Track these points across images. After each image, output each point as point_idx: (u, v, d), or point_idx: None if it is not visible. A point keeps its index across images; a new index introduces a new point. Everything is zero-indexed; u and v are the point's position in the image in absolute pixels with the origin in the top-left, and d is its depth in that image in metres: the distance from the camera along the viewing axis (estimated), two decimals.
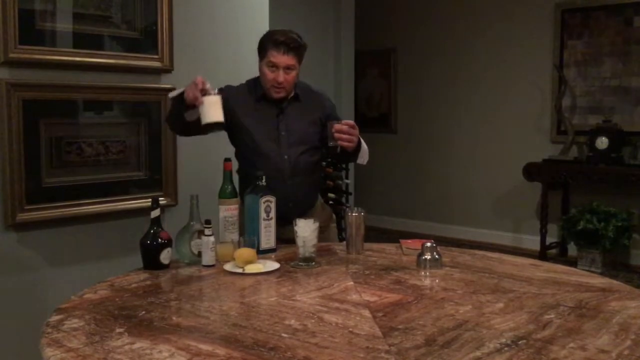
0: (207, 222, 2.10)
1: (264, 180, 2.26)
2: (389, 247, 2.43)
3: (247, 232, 2.26)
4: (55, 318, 1.61)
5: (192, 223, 2.15)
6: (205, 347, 1.41)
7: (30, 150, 2.52)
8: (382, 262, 2.19)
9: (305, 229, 2.11)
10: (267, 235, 2.26)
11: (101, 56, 2.71)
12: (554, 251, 5.59)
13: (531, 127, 5.88)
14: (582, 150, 5.50)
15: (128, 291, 1.85)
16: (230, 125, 2.43)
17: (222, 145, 2.67)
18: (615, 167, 5.01)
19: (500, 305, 1.72)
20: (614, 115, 5.33)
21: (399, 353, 1.38)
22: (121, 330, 1.52)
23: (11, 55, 2.43)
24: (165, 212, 2.72)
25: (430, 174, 6.65)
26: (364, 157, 2.50)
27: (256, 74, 2.53)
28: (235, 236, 2.25)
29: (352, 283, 1.93)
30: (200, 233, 2.12)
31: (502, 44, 6.02)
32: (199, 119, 2.19)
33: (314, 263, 2.12)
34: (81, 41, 2.64)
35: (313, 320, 1.59)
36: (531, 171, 5.46)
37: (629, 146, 5.14)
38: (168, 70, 2.90)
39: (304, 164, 2.47)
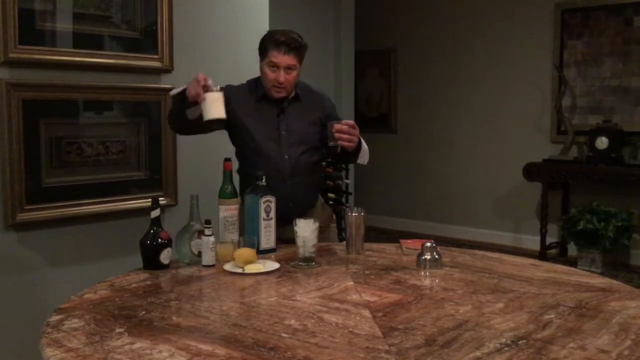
0: (207, 222, 2.10)
1: (264, 180, 2.26)
2: (389, 247, 2.43)
3: (247, 232, 2.26)
4: (55, 318, 1.61)
5: (192, 223, 2.15)
6: (205, 347, 1.41)
7: (30, 150, 2.52)
8: (382, 262, 2.19)
9: (305, 229, 2.11)
10: (267, 235, 2.26)
11: (101, 56, 2.71)
12: (554, 251, 5.59)
13: (531, 127, 5.88)
14: (582, 150, 5.50)
15: (128, 291, 1.85)
16: (231, 125, 2.43)
17: (222, 145, 2.67)
18: (615, 167, 5.01)
19: (500, 305, 1.72)
20: (614, 115, 5.33)
21: (399, 353, 1.38)
22: (121, 330, 1.52)
23: (11, 55, 2.43)
24: (165, 212, 2.72)
25: (430, 174, 6.65)
26: (364, 157, 2.50)
27: (256, 74, 2.53)
28: (235, 236, 2.25)
29: (352, 283, 1.93)
30: (200, 233, 2.12)
31: (502, 44, 6.02)
32: (200, 117, 2.19)
33: (314, 263, 2.12)
34: (81, 41, 2.64)
35: (313, 320, 1.59)
36: (531, 171, 5.46)
37: (629, 146, 5.14)
38: (168, 70, 2.90)
39: (304, 164, 2.47)
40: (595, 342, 1.44)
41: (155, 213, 2.07)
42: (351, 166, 5.12)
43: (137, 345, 1.43)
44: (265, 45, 2.39)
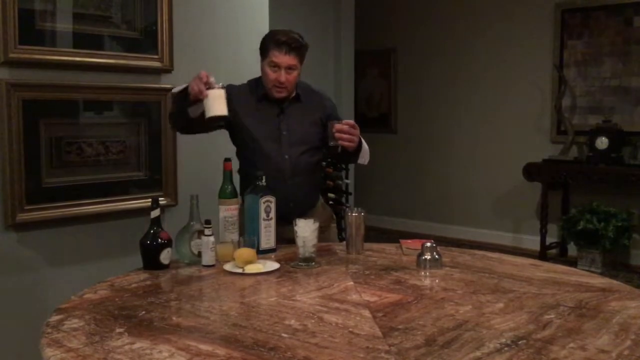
0: (207, 222, 2.10)
1: (264, 180, 2.26)
2: (389, 247, 2.43)
3: (247, 232, 2.26)
4: (55, 318, 1.61)
5: (192, 223, 2.15)
6: (205, 347, 1.41)
7: (30, 150, 2.52)
8: (382, 262, 2.19)
9: (305, 229, 2.11)
10: (267, 235, 2.26)
11: (101, 56, 2.71)
12: (554, 251, 5.59)
13: (531, 127, 5.88)
14: (582, 150, 5.50)
15: (128, 291, 1.85)
16: (232, 124, 2.43)
17: (222, 145, 2.67)
18: (615, 167, 5.01)
19: (500, 305, 1.72)
20: (614, 115, 5.33)
21: (399, 353, 1.38)
22: (121, 330, 1.52)
23: (11, 55, 2.43)
24: (165, 212, 2.72)
25: (430, 174, 6.65)
26: (364, 157, 2.50)
27: (256, 74, 2.53)
28: (235, 236, 2.25)
29: (352, 283, 1.93)
30: (200, 233, 2.12)
31: (502, 44, 6.02)
32: (202, 115, 2.19)
33: (314, 263, 2.12)
34: (81, 41, 2.64)
35: (313, 320, 1.59)
36: (531, 171, 5.46)
37: (629, 146, 5.14)
38: (168, 70, 2.90)
39: (304, 164, 2.47)
40: (595, 342, 1.44)
41: (155, 213, 2.07)
42: (351, 166, 5.13)
43: (137, 345, 1.43)
44: (266, 45, 2.39)
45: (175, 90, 2.37)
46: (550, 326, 1.55)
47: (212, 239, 2.10)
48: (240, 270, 2.03)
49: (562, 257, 5.51)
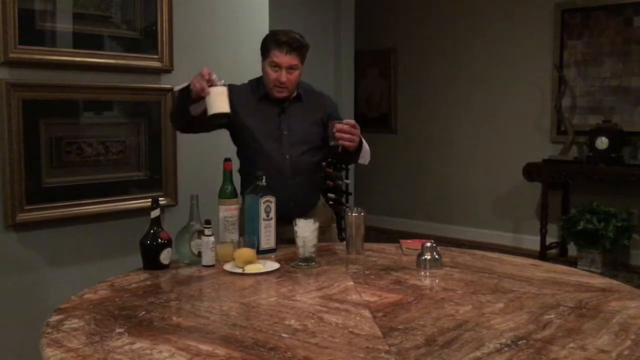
0: (207, 222, 2.10)
1: (264, 180, 2.26)
2: (389, 247, 2.43)
3: (247, 232, 2.26)
4: (55, 318, 1.61)
5: (192, 223, 2.15)
6: (205, 347, 1.41)
7: (30, 150, 2.52)
8: (382, 262, 2.19)
9: (305, 229, 2.11)
10: (267, 236, 2.26)
11: (101, 56, 2.71)
12: (554, 251, 5.59)
13: (531, 127, 5.88)
14: (582, 150, 5.50)
15: (128, 291, 1.84)
16: (232, 124, 2.43)
17: (222, 145, 2.67)
18: (615, 167, 5.01)
19: (500, 305, 1.72)
20: (614, 115, 5.33)
21: (399, 353, 1.38)
22: (121, 330, 1.52)
23: (11, 55, 2.43)
24: (165, 212, 2.72)
25: (430, 174, 6.65)
26: (365, 157, 2.50)
27: (256, 74, 2.54)
28: (235, 236, 2.25)
29: (352, 283, 1.93)
30: (200, 233, 2.12)
31: (502, 44, 6.02)
32: (203, 113, 2.19)
33: (314, 263, 2.12)
34: (81, 41, 2.64)
35: (313, 321, 1.59)
36: (531, 171, 5.46)
37: (629, 146, 5.15)
38: (168, 70, 2.90)
39: (305, 164, 2.47)
40: (595, 342, 1.44)
41: (155, 213, 2.07)
42: (351, 166, 5.14)
43: (137, 345, 1.43)
44: (267, 45, 2.39)
45: (177, 87, 2.36)
46: (550, 326, 1.55)
47: (212, 239, 2.10)
48: (240, 270, 2.03)
49: (562, 257, 5.51)
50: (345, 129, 2.28)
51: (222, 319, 1.63)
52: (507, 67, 5.99)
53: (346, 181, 5.25)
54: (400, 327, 1.54)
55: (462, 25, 6.28)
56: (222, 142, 2.70)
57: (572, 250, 5.42)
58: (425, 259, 2.10)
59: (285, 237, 2.31)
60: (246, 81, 2.56)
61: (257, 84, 2.49)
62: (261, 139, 2.43)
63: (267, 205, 2.25)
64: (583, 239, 5.06)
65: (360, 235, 2.31)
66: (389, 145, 6.76)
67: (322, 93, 2.64)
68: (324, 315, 1.63)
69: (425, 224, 6.58)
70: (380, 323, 1.56)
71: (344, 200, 5.11)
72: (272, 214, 2.26)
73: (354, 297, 1.79)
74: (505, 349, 1.40)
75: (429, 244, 2.13)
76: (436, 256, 2.11)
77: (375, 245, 2.44)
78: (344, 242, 2.38)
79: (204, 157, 3.02)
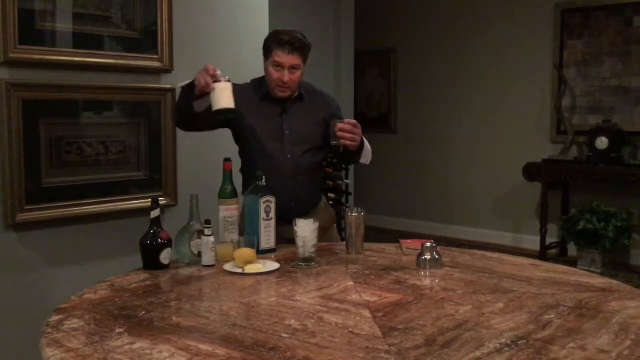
0: (207, 222, 2.10)
1: (264, 181, 2.26)
2: (389, 247, 2.43)
3: (247, 232, 2.26)
4: (55, 318, 1.61)
5: (192, 223, 2.15)
6: (205, 347, 1.41)
7: (30, 150, 2.52)
8: (382, 262, 2.19)
9: (305, 229, 2.11)
10: (267, 236, 2.26)
11: (101, 56, 2.71)
12: (554, 251, 5.59)
13: (531, 127, 5.88)
14: (582, 150, 5.50)
15: (128, 291, 1.84)
16: (235, 124, 2.43)
17: (222, 145, 2.67)
18: (615, 167, 5.01)
19: (500, 305, 1.72)
20: (614, 115, 5.33)
21: (399, 353, 1.38)
22: (121, 330, 1.52)
23: (11, 55, 2.43)
24: (165, 212, 2.72)
25: (430, 174, 6.65)
26: (367, 157, 2.50)
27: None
28: (235, 236, 2.25)
29: (352, 283, 1.93)
30: (200, 233, 2.12)
31: (502, 44, 6.02)
32: (207, 109, 2.19)
33: (314, 263, 2.12)
34: (81, 41, 2.64)
35: (313, 321, 1.59)
36: (531, 171, 5.46)
37: (629, 146, 5.15)
38: (168, 70, 2.90)
39: (306, 163, 2.47)
40: (595, 342, 1.44)
41: (155, 213, 2.07)
42: (351, 166, 5.14)
43: (137, 345, 1.43)
44: (270, 45, 2.39)
45: (181, 84, 2.35)
46: (550, 326, 1.55)
47: (212, 239, 2.10)
48: (240, 271, 2.03)
49: (562, 257, 5.51)
50: (347, 129, 2.28)
51: (222, 319, 1.63)
52: (507, 67, 6.00)
53: (346, 181, 5.25)
54: (400, 327, 1.54)
55: (462, 25, 6.28)
56: (222, 142, 2.71)
57: (572, 250, 5.42)
58: (425, 259, 2.10)
59: (286, 237, 2.31)
60: (246, 81, 2.56)
61: (260, 84, 2.49)
62: (263, 139, 2.43)
63: (267, 206, 2.25)
64: (583, 239, 5.06)
65: (360, 235, 2.31)
66: (389, 145, 6.76)
67: (325, 93, 2.64)
68: (324, 315, 1.63)
69: (425, 224, 6.58)
70: (380, 323, 1.56)
71: (344, 200, 5.11)
72: (272, 214, 2.26)
73: (354, 297, 1.79)
74: (505, 349, 1.40)
75: (429, 244, 2.13)
76: (436, 256, 2.11)
77: (375, 245, 2.44)
78: (344, 242, 2.38)
79: (204, 157, 3.02)
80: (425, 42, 6.59)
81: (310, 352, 1.38)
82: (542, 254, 5.37)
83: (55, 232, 2.64)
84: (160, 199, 2.70)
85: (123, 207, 2.80)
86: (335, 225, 2.75)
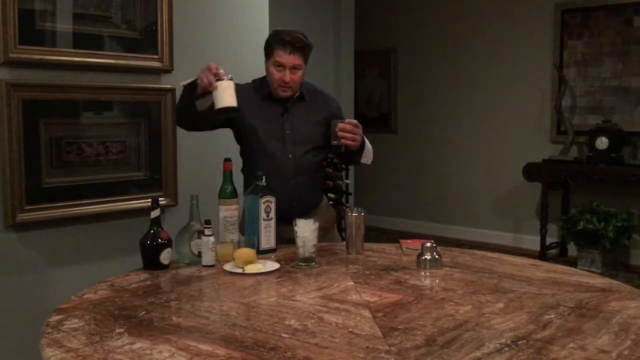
0: (207, 222, 2.10)
1: (264, 181, 2.27)
2: (389, 247, 2.43)
3: (247, 233, 2.26)
4: (55, 318, 1.61)
5: (192, 223, 2.15)
6: (205, 347, 1.41)
7: (30, 150, 2.52)
8: (382, 262, 2.19)
9: (305, 229, 2.11)
10: (267, 236, 2.26)
11: (101, 56, 2.70)
12: (554, 251, 5.59)
13: (531, 127, 5.88)
14: (582, 150, 5.50)
15: (128, 291, 1.85)
16: (236, 123, 2.43)
17: (222, 145, 2.67)
18: (615, 167, 5.02)
19: (500, 305, 1.72)
20: (614, 115, 5.33)
21: (399, 353, 1.38)
22: (121, 330, 1.52)
23: (11, 55, 2.43)
24: (165, 212, 2.72)
25: (430, 174, 6.65)
26: (368, 157, 2.50)
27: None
28: (235, 236, 2.25)
29: (352, 283, 1.93)
30: (200, 233, 2.12)
31: (502, 44, 6.02)
32: (209, 108, 2.19)
33: (314, 263, 2.12)
34: (81, 41, 2.64)
35: (313, 321, 1.59)
36: (531, 171, 5.46)
37: (629, 146, 5.15)
38: (168, 70, 2.90)
39: (308, 163, 2.48)
40: (595, 342, 1.44)
41: (155, 213, 2.07)
42: (351, 166, 5.14)
43: (137, 345, 1.43)
44: (271, 45, 2.39)
45: (183, 83, 2.35)
46: (550, 326, 1.55)
47: (212, 239, 2.10)
48: (240, 271, 2.03)
49: (562, 257, 5.51)
50: (348, 129, 2.29)
51: (222, 319, 1.63)
52: (507, 67, 6.00)
53: (346, 181, 5.26)
54: (400, 327, 1.54)
55: (462, 25, 6.28)
56: (222, 142, 2.71)
57: (572, 250, 5.42)
58: (425, 259, 2.10)
59: (287, 236, 2.31)
60: (246, 81, 2.56)
61: (261, 84, 2.49)
62: (264, 139, 2.43)
63: (267, 206, 2.25)
64: (583, 239, 5.06)
65: (360, 235, 2.31)
66: (389, 145, 6.76)
67: (326, 93, 2.65)
68: (324, 315, 1.63)
69: (425, 224, 6.58)
70: (380, 323, 1.56)
71: (344, 200, 5.11)
72: (272, 214, 2.26)
73: (354, 297, 1.79)
74: (505, 349, 1.40)
75: (429, 244, 2.13)
76: (436, 256, 2.11)
77: (375, 245, 2.44)
78: (344, 242, 2.38)
79: (204, 157, 3.02)
80: (425, 42, 6.59)
81: (310, 352, 1.38)
82: (542, 254, 5.37)
83: (55, 232, 2.63)
84: (160, 199, 2.70)
85: (123, 207, 2.80)
86: (335, 225, 2.75)
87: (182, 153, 3.00)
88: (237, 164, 2.51)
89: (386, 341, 1.45)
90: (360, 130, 2.32)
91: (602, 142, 5.10)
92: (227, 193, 2.26)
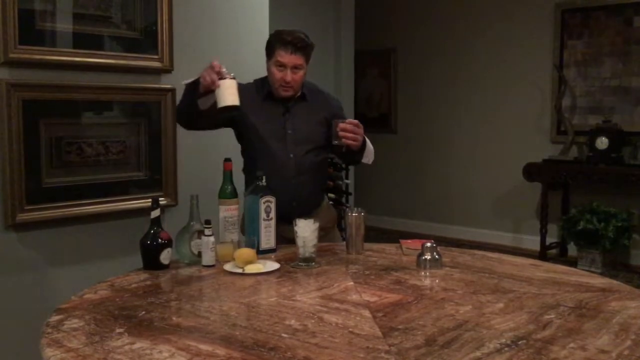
0: (207, 222, 2.10)
1: (264, 180, 2.26)
2: (389, 247, 2.42)
3: (247, 233, 2.25)
4: (55, 318, 1.61)
5: (192, 223, 2.15)
6: (205, 347, 1.41)
7: (30, 150, 2.52)
8: (382, 262, 2.19)
9: (305, 229, 2.11)
10: (267, 236, 2.26)
11: (101, 56, 2.71)
12: (554, 251, 5.59)
13: (531, 127, 5.88)
14: (582, 150, 5.50)
15: (128, 291, 1.84)
16: (238, 123, 2.44)
17: (222, 145, 2.67)
18: (615, 167, 5.02)
19: (500, 305, 1.72)
20: (614, 115, 5.33)
21: (399, 353, 1.38)
22: (121, 330, 1.52)
23: (11, 55, 2.43)
24: (165, 212, 2.72)
25: (430, 174, 6.65)
26: (369, 157, 2.50)
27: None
28: (235, 236, 2.25)
29: (352, 283, 1.93)
30: (200, 233, 2.12)
31: (502, 44, 6.02)
32: (212, 107, 2.19)
33: (314, 263, 2.12)
34: (81, 41, 2.64)
35: (313, 321, 1.59)
36: (531, 171, 5.46)
37: (629, 146, 5.15)
38: (168, 70, 2.90)
39: (309, 163, 2.48)
40: (596, 342, 1.44)
41: (155, 213, 2.07)
42: (351, 166, 5.14)
43: (137, 345, 1.43)
44: (272, 45, 2.39)
45: (185, 81, 2.35)
46: (550, 326, 1.55)
47: (212, 239, 2.10)
48: (240, 271, 2.03)
49: (562, 257, 5.51)
50: (349, 128, 2.29)
51: (222, 319, 1.63)
52: (507, 67, 6.00)
53: (346, 181, 5.25)
54: (400, 327, 1.54)
55: (462, 25, 6.28)
56: (222, 142, 2.71)
57: (572, 250, 5.42)
58: (425, 259, 2.10)
59: (288, 236, 2.31)
60: (246, 81, 2.56)
61: (262, 84, 2.50)
62: (266, 138, 2.43)
63: (267, 206, 2.25)
64: (583, 239, 5.06)
65: (360, 235, 2.31)
66: (389, 145, 6.75)
67: (327, 93, 2.65)
68: (324, 315, 1.63)
69: (425, 224, 6.58)
70: (380, 323, 1.56)
71: (344, 200, 5.11)
72: (272, 214, 2.26)
73: (354, 297, 1.79)
74: (505, 349, 1.40)
75: (429, 244, 2.13)
76: (436, 256, 2.11)
77: (375, 245, 2.44)
78: (344, 242, 2.38)
79: (204, 157, 3.02)
80: (425, 42, 6.59)
81: (310, 352, 1.38)
82: (542, 254, 5.37)
83: (55, 232, 2.64)
84: (160, 199, 2.70)
85: (123, 207, 2.80)
86: (336, 225, 2.75)
87: (182, 153, 3.00)
88: (238, 163, 2.51)
89: (386, 341, 1.45)
90: (361, 130, 2.32)
91: (602, 142, 5.10)
92: (227, 193, 2.26)
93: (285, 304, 1.73)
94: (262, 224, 2.24)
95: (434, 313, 1.65)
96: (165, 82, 2.91)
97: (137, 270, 2.07)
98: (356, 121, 2.32)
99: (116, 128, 2.80)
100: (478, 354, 1.37)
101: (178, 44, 2.93)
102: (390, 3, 6.83)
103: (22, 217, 2.51)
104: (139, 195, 2.84)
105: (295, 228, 2.12)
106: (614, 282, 1.99)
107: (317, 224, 2.13)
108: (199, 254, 2.12)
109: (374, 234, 5.62)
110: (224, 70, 2.15)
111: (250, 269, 2.02)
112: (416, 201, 6.76)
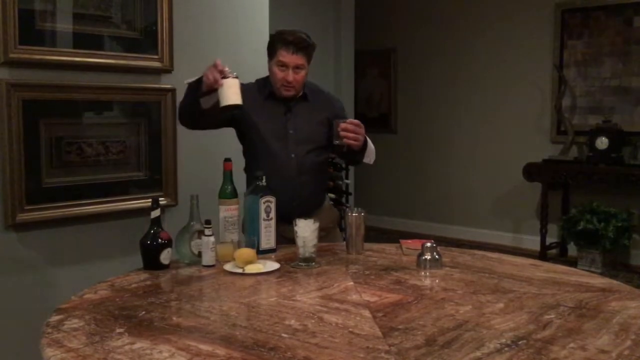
0: (207, 222, 2.10)
1: (264, 180, 2.27)
2: (389, 247, 2.43)
3: (248, 233, 2.26)
4: (55, 318, 1.61)
5: (192, 223, 2.15)
6: (205, 347, 1.41)
7: (30, 150, 2.52)
8: (382, 262, 2.19)
9: (305, 229, 2.11)
10: (267, 236, 2.26)
11: (101, 56, 2.71)
12: (554, 251, 5.59)
13: (531, 127, 5.88)
14: (582, 150, 5.50)
15: (128, 291, 1.84)
16: (239, 123, 2.44)
17: (222, 145, 2.67)
18: (615, 167, 5.02)
19: (501, 305, 1.72)
20: (614, 115, 5.33)
21: (399, 353, 1.38)
22: (121, 330, 1.52)
23: (11, 55, 2.43)
24: (165, 212, 2.72)
25: (430, 174, 6.65)
26: (370, 157, 2.50)
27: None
28: (235, 236, 2.25)
29: (352, 283, 1.93)
30: (200, 233, 2.12)
31: (502, 44, 6.02)
32: (214, 106, 2.19)
33: (314, 263, 2.12)
34: (81, 41, 2.64)
35: (313, 321, 1.59)
36: (531, 171, 5.46)
37: (629, 146, 5.15)
38: (168, 70, 2.90)
39: (310, 163, 2.48)
40: (596, 342, 1.44)
41: (155, 213, 2.07)
42: (353, 166, 5.14)
43: (137, 345, 1.43)
44: (274, 45, 2.40)
45: (188, 81, 2.35)
46: (551, 326, 1.55)
47: (212, 239, 2.10)
48: (240, 271, 2.03)
49: (562, 257, 5.51)
50: (350, 128, 2.29)
51: (222, 319, 1.63)
52: (507, 67, 6.00)
53: (346, 181, 5.26)
54: (400, 327, 1.54)
55: (462, 25, 6.28)
56: (222, 142, 2.71)
57: (572, 250, 5.42)
58: (425, 259, 2.10)
59: (288, 236, 2.31)
60: (246, 81, 2.56)
61: (264, 83, 2.50)
62: (267, 138, 2.43)
63: (267, 206, 2.25)
64: (583, 239, 5.06)
65: (360, 235, 2.31)
66: (389, 145, 6.75)
67: (329, 93, 2.65)
68: (324, 315, 1.63)
69: (425, 224, 6.58)
70: (380, 323, 1.56)
71: (344, 200, 5.11)
72: (272, 214, 2.26)
73: (354, 297, 1.79)
74: (506, 349, 1.40)
75: (429, 244, 2.13)
76: (436, 256, 2.11)
77: (375, 245, 2.44)
78: (344, 242, 2.38)
79: (204, 157, 3.02)
80: (425, 42, 6.59)
81: (310, 352, 1.38)
82: (542, 254, 5.37)
83: (55, 232, 2.64)
84: (160, 199, 2.70)
85: (123, 207, 2.80)
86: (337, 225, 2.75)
87: (182, 153, 3.00)
88: (239, 163, 2.51)
89: (386, 341, 1.45)
90: (362, 130, 2.32)
91: (602, 142, 5.10)
92: (227, 193, 2.26)
93: (285, 304, 1.73)
94: (262, 224, 2.24)
95: (434, 313, 1.65)
96: (165, 82, 2.91)
97: (137, 270, 2.07)
98: (357, 121, 2.32)
99: (116, 128, 2.80)
100: (478, 354, 1.37)
101: (178, 44, 2.94)
102: (390, 3, 6.83)
103: (22, 217, 2.51)
104: (139, 195, 2.84)
105: (295, 228, 2.12)
106: (614, 282, 1.99)
107: (317, 224, 2.13)
108: (199, 254, 2.12)
109: (374, 234, 5.62)
110: (226, 69, 2.16)
111: (250, 269, 2.02)
112: (416, 201, 6.76)
